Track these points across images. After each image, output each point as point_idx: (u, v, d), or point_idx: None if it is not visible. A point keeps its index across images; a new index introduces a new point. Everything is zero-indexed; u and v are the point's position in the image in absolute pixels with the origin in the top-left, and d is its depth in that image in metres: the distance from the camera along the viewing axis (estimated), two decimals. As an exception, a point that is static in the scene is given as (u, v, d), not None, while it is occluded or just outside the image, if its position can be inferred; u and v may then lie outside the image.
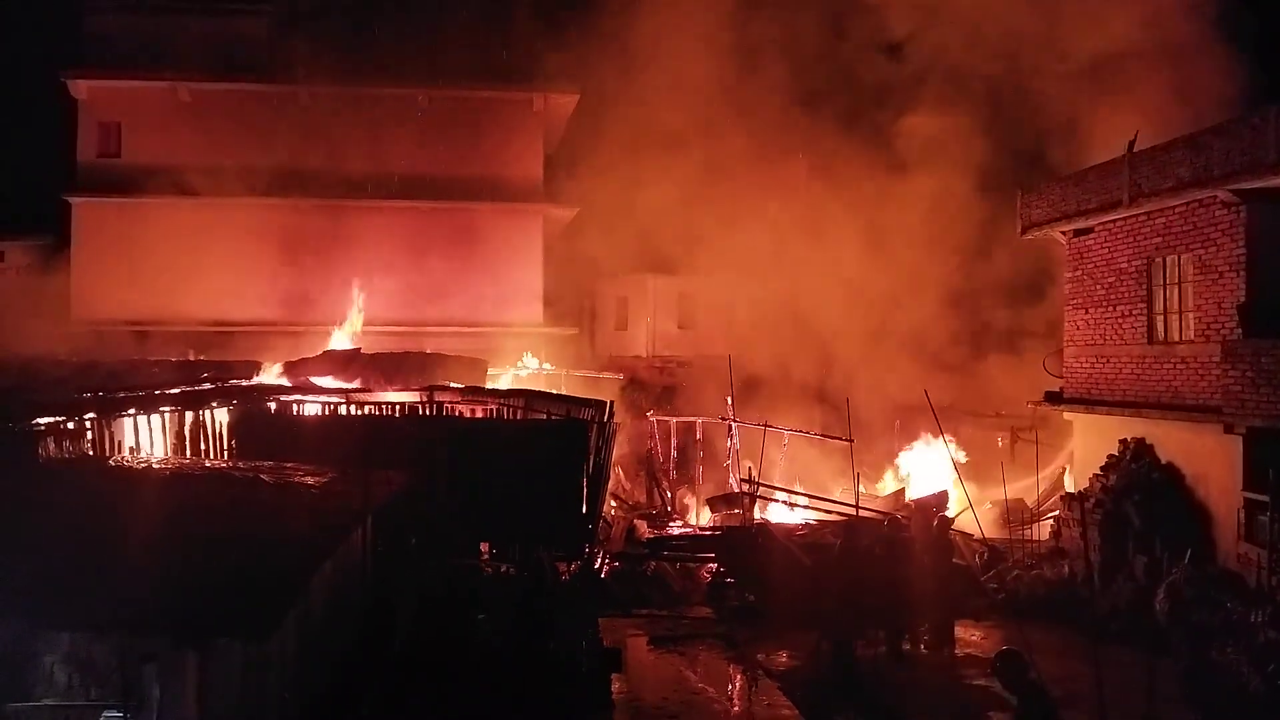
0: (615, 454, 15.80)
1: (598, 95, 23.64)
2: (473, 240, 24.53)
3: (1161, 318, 14.47)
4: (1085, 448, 16.07)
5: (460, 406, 14.68)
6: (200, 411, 13.17)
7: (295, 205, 23.51)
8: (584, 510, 13.25)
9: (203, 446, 13.19)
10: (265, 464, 10.27)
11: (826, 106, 23.28)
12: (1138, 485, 13.69)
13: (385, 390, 15.07)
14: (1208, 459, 13.23)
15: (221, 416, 13.18)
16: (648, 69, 22.36)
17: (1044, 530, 16.05)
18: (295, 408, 13.95)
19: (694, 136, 22.95)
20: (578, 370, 22.76)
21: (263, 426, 13.02)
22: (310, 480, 9.44)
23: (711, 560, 15.01)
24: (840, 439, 17.21)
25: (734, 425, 18.91)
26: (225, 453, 13.11)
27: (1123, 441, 14.48)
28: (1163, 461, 13.93)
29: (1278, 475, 11.44)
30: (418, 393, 15.07)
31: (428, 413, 14.36)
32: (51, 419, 11.42)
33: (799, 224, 23.10)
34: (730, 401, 19.14)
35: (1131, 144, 14.73)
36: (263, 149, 23.56)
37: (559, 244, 25.93)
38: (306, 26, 24.31)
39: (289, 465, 10.30)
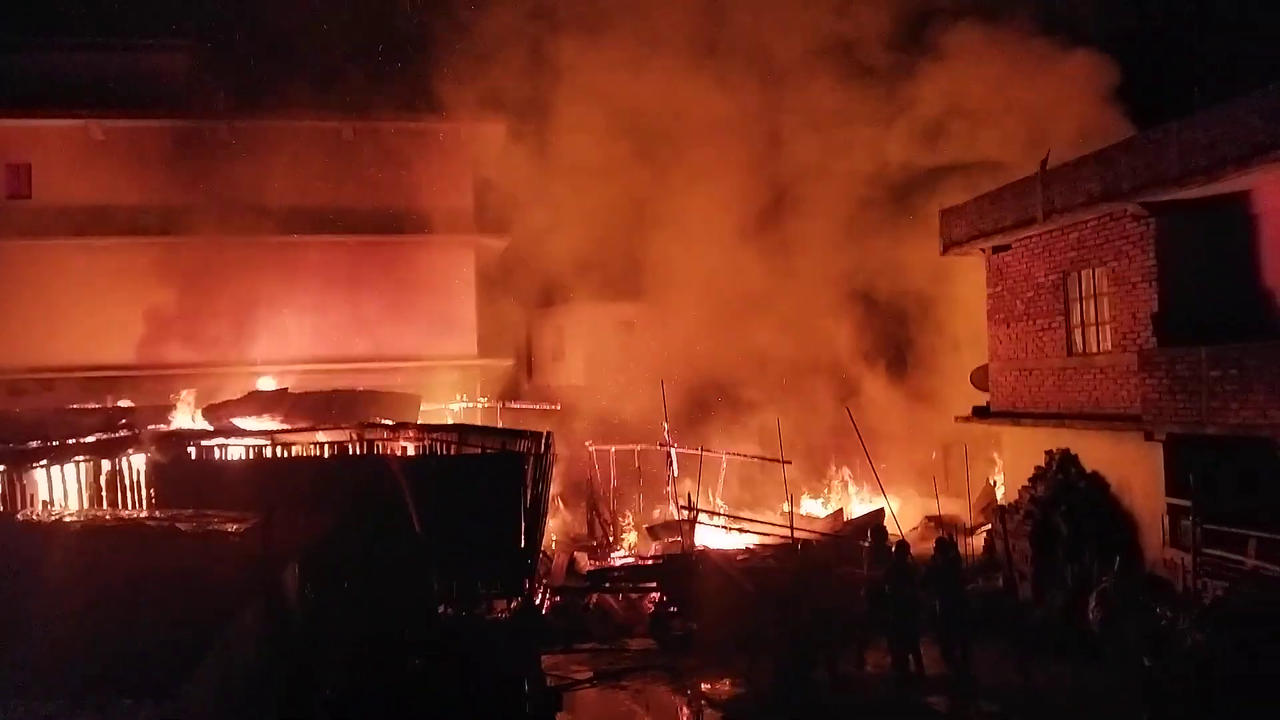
0: (554, 486, 15.61)
1: (531, 123, 23.59)
2: (403, 273, 24.21)
3: (1080, 330, 14.85)
4: (1014, 460, 16.37)
5: (392, 444, 14.38)
6: (117, 460, 12.67)
7: (217, 243, 22.90)
8: (523, 545, 13.03)
9: (120, 496, 12.67)
10: (184, 512, 9.90)
11: (756, 133, 23.54)
12: (1064, 495, 13.96)
13: (314, 430, 14.70)
14: (1131, 467, 13.56)
15: (139, 464, 12.69)
16: (577, 95, 22.43)
17: (978, 543, 16.27)
18: (218, 452, 13.51)
19: (630, 164, 23.03)
20: (514, 402, 22.53)
21: (183, 473, 12.57)
22: (231, 527, 9.11)
23: (654, 590, 14.89)
24: (776, 460, 17.28)
25: (672, 451, 18.87)
26: (145, 502, 12.62)
27: (1049, 453, 14.76)
28: (1088, 471, 14.22)
29: (1198, 481, 11.77)
30: (348, 431, 14.74)
31: (358, 451, 14.04)
32: (-46, 474, 10.87)
33: (734, 250, 23.28)
34: (666, 428, 19.10)
35: (1044, 162, 15.17)
36: (182, 186, 22.98)
37: (493, 274, 25.74)
38: (226, 62, 23.92)
39: (210, 512, 9.93)
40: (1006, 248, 16.26)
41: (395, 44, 24.38)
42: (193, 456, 13.19)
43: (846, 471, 20.77)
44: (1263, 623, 9.51)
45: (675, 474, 18.46)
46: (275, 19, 23.69)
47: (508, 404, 22.24)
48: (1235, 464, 12.16)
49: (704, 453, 18.02)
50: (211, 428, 14.82)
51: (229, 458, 13.46)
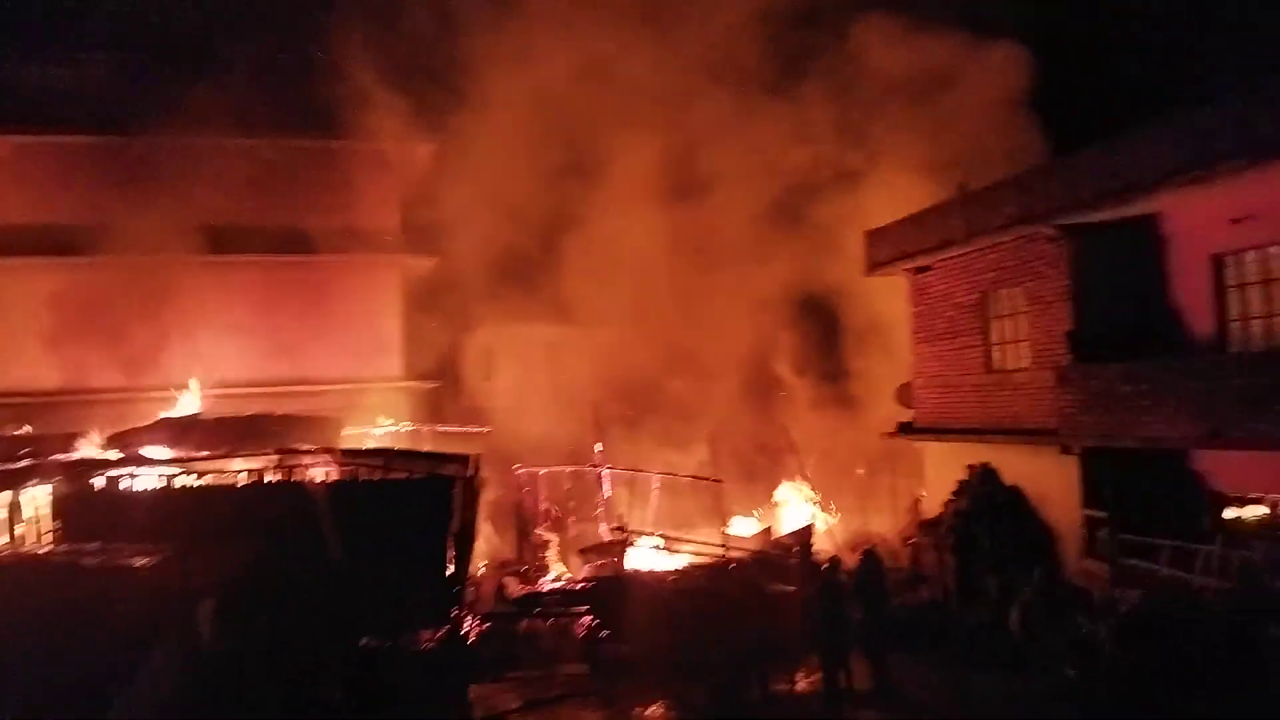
0: (483, 509, 15.32)
1: (462, 142, 23.31)
2: (327, 294, 23.68)
3: (999, 348, 15.24)
4: (938, 475, 16.65)
5: (313, 470, 13.95)
6: (17, 491, 12.04)
7: (131, 263, 22.05)
8: (450, 572, 12.74)
9: (22, 530, 12.03)
10: (90, 546, 9.50)
11: (681, 146, 23.63)
12: (986, 508, 14.24)
13: (230, 457, 14.17)
14: (1049, 479, 13.90)
15: (42, 496, 12.08)
16: (509, 116, 22.27)
17: (906, 557, 16.46)
18: (127, 482, 12.92)
19: (563, 185, 22.91)
20: (441, 425, 22.12)
21: (90, 504, 11.96)
22: (140, 562, 8.74)
23: (586, 614, 14.69)
24: (709, 479, 17.27)
25: (604, 473, 18.73)
26: (49, 535, 12.00)
27: (970, 467, 15.07)
28: (1008, 484, 14.54)
29: (1113, 493, 12.11)
30: (266, 458, 14.25)
31: (277, 479, 13.58)
32: None
33: (662, 269, 23.31)
34: (598, 449, 18.98)
35: (963, 185, 15.56)
36: (95, 205, 22.09)
37: (420, 295, 25.33)
38: (145, 78, 23.11)
39: (118, 546, 9.54)
40: (928, 268, 16.61)
41: (322, 62, 23.85)
42: (101, 487, 12.58)
43: (777, 488, 20.86)
44: (1177, 629, 9.79)
45: (608, 495, 18.33)
46: (196, 35, 23.08)
47: (435, 427, 21.82)
48: (1145, 475, 12.55)
49: (636, 472, 17.92)
50: (121, 456, 14.18)
51: (139, 488, 12.88)
